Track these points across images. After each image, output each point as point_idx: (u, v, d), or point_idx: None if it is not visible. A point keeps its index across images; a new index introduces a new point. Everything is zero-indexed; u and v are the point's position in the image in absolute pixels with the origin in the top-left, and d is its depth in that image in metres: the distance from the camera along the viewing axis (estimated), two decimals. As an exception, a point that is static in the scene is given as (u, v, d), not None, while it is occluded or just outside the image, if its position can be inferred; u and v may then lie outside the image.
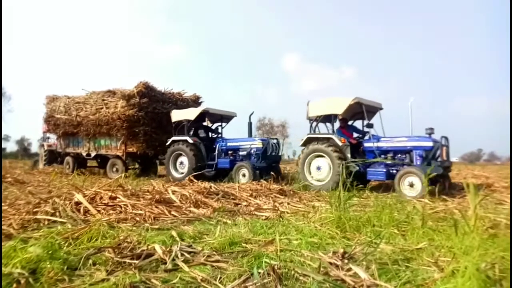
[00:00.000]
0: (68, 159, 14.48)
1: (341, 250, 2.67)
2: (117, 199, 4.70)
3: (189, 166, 10.42)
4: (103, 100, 12.71)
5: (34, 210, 4.14)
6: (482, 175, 11.52)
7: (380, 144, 8.07)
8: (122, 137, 12.07)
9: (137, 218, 4.08)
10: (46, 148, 16.63)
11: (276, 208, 5.09)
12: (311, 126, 9.05)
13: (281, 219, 4.35)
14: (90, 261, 2.46)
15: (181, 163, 10.90)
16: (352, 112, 9.08)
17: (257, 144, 10.26)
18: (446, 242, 2.88)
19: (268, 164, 10.10)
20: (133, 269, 2.32)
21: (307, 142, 8.77)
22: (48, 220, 3.85)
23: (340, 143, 8.20)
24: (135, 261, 2.44)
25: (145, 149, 12.02)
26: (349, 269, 2.31)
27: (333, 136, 8.43)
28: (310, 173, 8.57)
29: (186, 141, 10.74)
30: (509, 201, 6.15)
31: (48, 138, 17.37)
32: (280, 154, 11.05)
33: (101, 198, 4.71)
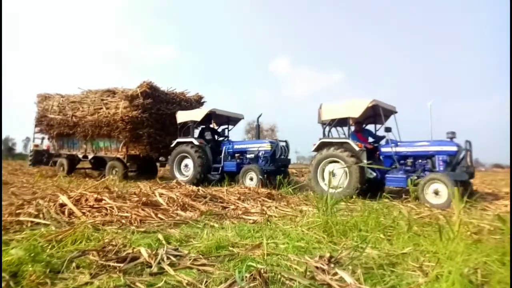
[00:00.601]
0: (62, 160, 13.64)
1: (328, 255, 2.68)
2: (103, 201, 4.63)
3: (194, 168, 10.09)
4: (102, 100, 12.09)
5: (17, 211, 4.05)
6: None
7: (398, 149, 7.72)
8: (124, 139, 11.46)
9: (123, 221, 4.03)
10: (32, 148, 16.12)
11: (264, 212, 5.08)
12: (324, 130, 8.75)
13: (268, 223, 4.34)
14: (74, 264, 2.42)
15: (186, 165, 10.52)
16: (366, 116, 8.79)
17: (266, 146, 9.84)
18: (431, 247, 2.91)
19: (276, 167, 9.76)
20: (117, 272, 2.28)
21: (320, 147, 8.43)
22: (31, 222, 3.76)
23: (357, 148, 7.89)
24: (120, 265, 2.41)
25: (149, 151, 11.50)
26: (335, 274, 2.32)
27: (349, 141, 8.07)
28: (323, 179, 8.21)
29: (191, 143, 10.38)
30: (492, 207, 6.26)
31: (43, 138, 16.70)
32: (289, 157, 10.52)
33: (86, 200, 4.63)
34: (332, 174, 7.44)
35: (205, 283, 2.18)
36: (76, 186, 7.12)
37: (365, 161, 7.81)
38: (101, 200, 4.67)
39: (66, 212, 4.18)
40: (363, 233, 3.57)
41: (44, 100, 13.96)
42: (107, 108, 11.81)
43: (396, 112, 8.74)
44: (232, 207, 5.54)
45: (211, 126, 11.58)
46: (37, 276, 2.12)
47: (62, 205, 4.36)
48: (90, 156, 12.74)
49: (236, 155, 10.43)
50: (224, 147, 10.56)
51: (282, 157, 10.05)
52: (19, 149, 59.79)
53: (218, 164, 10.36)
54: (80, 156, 13.00)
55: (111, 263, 2.44)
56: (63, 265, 2.37)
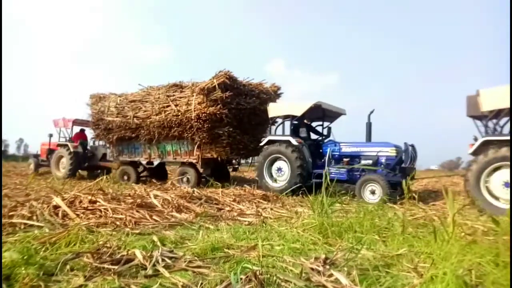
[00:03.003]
0: (126, 168, 11.70)
1: (323, 256, 2.68)
2: (97, 203, 4.60)
3: (292, 173, 8.35)
4: (168, 96, 10.35)
5: (10, 213, 4.02)
6: (460, 183, 11.78)
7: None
8: (199, 140, 9.72)
9: (118, 223, 4.01)
10: (71, 149, 12.83)
11: (259, 214, 5.08)
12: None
13: (264, 224, 4.35)
14: (68, 267, 2.40)
15: (279, 169, 8.79)
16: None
17: (390, 151, 7.90)
18: (425, 248, 2.93)
19: (404, 178, 7.40)
20: (112, 274, 2.27)
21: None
22: (25, 224, 3.73)
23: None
24: (114, 267, 2.39)
25: (229, 154, 9.70)
26: (331, 275, 2.32)
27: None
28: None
29: (288, 142, 8.60)
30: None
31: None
32: (415, 165, 8.46)
33: (80, 202, 4.61)
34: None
35: (200, 285, 2.17)
36: (70, 188, 7.07)
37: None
38: (95, 202, 4.64)
39: (60, 214, 4.16)
40: (358, 234, 3.58)
41: (99, 101, 12.18)
42: (176, 105, 10.09)
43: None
44: (228, 208, 5.54)
45: (306, 122, 9.68)
46: (30, 279, 2.10)
47: (56, 207, 4.33)
48: (156, 162, 11.03)
49: (345, 159, 8.38)
50: (328, 149, 8.61)
51: (409, 166, 7.85)
52: (11, 150, 59.26)
53: (319, 169, 8.42)
54: (144, 162, 11.32)
55: (106, 265, 2.42)
56: (57, 268, 2.35)
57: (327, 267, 2.52)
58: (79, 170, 13.40)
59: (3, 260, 2.21)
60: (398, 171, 7.55)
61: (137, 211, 4.51)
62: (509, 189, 6.00)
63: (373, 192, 7.35)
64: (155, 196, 5.34)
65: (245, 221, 4.63)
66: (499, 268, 2.20)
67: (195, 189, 6.52)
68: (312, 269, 2.44)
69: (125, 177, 11.55)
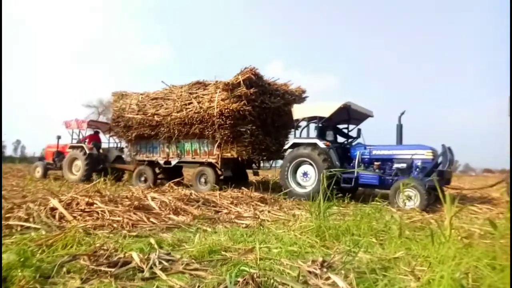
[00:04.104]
0: (144, 169, 11.33)
1: (320, 259, 2.68)
2: (94, 205, 4.60)
3: (318, 178, 7.89)
4: (191, 93, 10.04)
5: (6, 215, 4.00)
6: (457, 186, 11.77)
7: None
8: (220, 138, 9.38)
9: (115, 225, 4.00)
10: (87, 151, 12.46)
11: (257, 216, 5.08)
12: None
13: (261, 227, 4.35)
14: (64, 269, 2.39)
15: (305, 173, 8.39)
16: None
17: (426, 154, 7.42)
18: (422, 251, 2.93)
19: (444, 182, 7.31)
20: (109, 277, 2.26)
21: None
22: (21, 226, 3.72)
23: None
24: (111, 269, 2.39)
25: (250, 153, 9.28)
26: (328, 278, 2.32)
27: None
28: None
29: (315, 145, 8.21)
30: (481, 211, 6.33)
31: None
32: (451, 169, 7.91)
33: (77, 204, 4.59)
34: None
35: (197, 288, 2.17)
36: (67, 189, 7.05)
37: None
38: (92, 204, 4.63)
39: (56, 216, 4.14)
40: (356, 237, 3.59)
41: (121, 98, 11.94)
42: (198, 102, 9.75)
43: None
44: (225, 211, 5.53)
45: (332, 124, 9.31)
46: (26, 281, 2.09)
47: (53, 209, 4.31)
48: (174, 162, 10.73)
49: (376, 163, 7.90)
50: (357, 152, 8.19)
51: (446, 169, 7.30)
52: (9, 152, 59.05)
53: (348, 173, 7.88)
54: (161, 162, 11.02)
55: (103, 268, 2.41)
56: (54, 270, 2.34)
57: (325, 270, 2.52)
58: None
59: (-1, 262, 2.20)
60: (436, 175, 6.92)
61: (135, 213, 4.50)
62: None
63: (409, 198, 6.77)
64: (153, 198, 5.33)
65: (243, 223, 4.63)
66: (496, 271, 2.20)
67: (192, 191, 6.50)
68: (310, 272, 2.44)
69: (142, 178, 11.30)
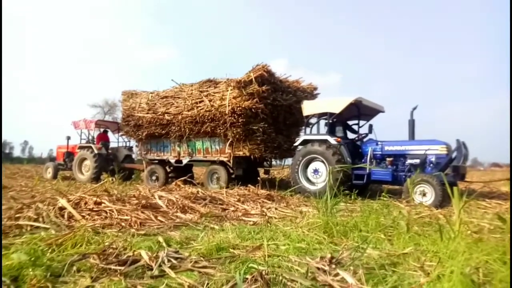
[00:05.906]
0: (155, 168, 11.27)
1: (329, 255, 2.68)
2: (102, 204, 4.63)
3: (328, 174, 7.40)
4: (202, 92, 9.94)
5: (16, 215, 4.05)
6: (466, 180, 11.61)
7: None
8: (232, 137, 9.27)
9: (123, 224, 4.02)
10: (96, 151, 12.46)
11: (264, 213, 5.08)
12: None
13: (268, 224, 4.35)
14: (74, 268, 2.41)
15: (316, 170, 8.24)
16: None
17: (440, 149, 7.27)
18: (431, 246, 2.92)
19: (459, 178, 7.14)
20: (118, 275, 2.28)
21: None
22: (31, 226, 3.76)
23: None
24: (120, 268, 2.40)
25: (262, 151, 9.16)
26: (337, 274, 2.32)
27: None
28: None
29: (326, 141, 8.09)
30: (490, 206, 6.27)
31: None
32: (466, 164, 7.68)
33: (85, 203, 4.63)
34: None
35: (206, 286, 2.18)
36: (75, 189, 7.11)
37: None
38: (100, 203, 4.67)
39: (65, 216, 4.18)
40: (364, 233, 3.58)
41: (130, 97, 11.87)
42: (209, 100, 9.67)
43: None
44: (232, 208, 5.54)
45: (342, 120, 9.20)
46: (37, 280, 2.11)
47: (62, 208, 4.35)
48: (185, 161, 10.65)
49: (388, 159, 7.75)
50: (369, 148, 8.04)
51: (461, 165, 7.11)
52: (16, 152, 59.67)
53: (359, 170, 7.79)
54: (172, 161, 10.92)
55: (112, 266, 2.43)
56: (64, 269, 2.36)
57: (333, 266, 2.51)
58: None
59: (10, 262, 2.23)
60: (451, 170, 6.92)
61: (142, 212, 4.52)
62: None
63: (424, 194, 6.67)
64: (160, 197, 5.35)
65: (250, 221, 4.63)
66: (506, 266, 2.18)
67: (199, 189, 6.51)
68: (318, 268, 2.44)
69: (154, 177, 11.23)
